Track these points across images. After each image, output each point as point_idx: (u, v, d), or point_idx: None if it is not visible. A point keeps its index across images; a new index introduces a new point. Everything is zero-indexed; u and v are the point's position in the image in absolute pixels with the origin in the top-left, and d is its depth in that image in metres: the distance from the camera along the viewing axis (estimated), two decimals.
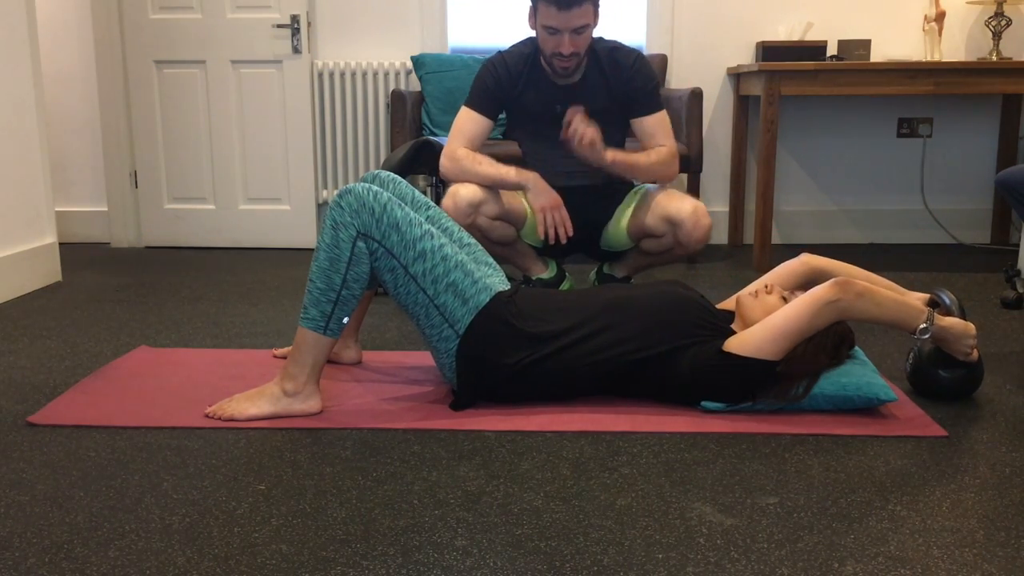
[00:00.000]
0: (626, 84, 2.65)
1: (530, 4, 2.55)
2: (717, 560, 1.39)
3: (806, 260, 2.20)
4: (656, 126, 2.68)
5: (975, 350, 2.05)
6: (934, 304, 2.13)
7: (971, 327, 2.02)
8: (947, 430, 1.93)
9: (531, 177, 2.62)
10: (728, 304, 2.22)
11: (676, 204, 2.66)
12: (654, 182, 2.75)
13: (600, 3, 2.53)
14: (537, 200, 2.60)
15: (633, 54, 2.69)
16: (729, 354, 1.95)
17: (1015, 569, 1.37)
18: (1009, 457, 1.80)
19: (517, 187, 2.65)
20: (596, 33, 2.64)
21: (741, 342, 1.95)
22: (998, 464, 1.77)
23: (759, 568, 1.37)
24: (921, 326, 1.95)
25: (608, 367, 2.00)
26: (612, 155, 2.57)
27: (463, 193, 2.61)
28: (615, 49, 2.68)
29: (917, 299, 2.12)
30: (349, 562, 1.39)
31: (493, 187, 2.67)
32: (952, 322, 2.01)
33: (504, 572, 1.36)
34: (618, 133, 2.71)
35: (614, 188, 2.80)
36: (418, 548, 1.43)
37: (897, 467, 1.75)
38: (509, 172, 2.64)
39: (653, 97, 2.69)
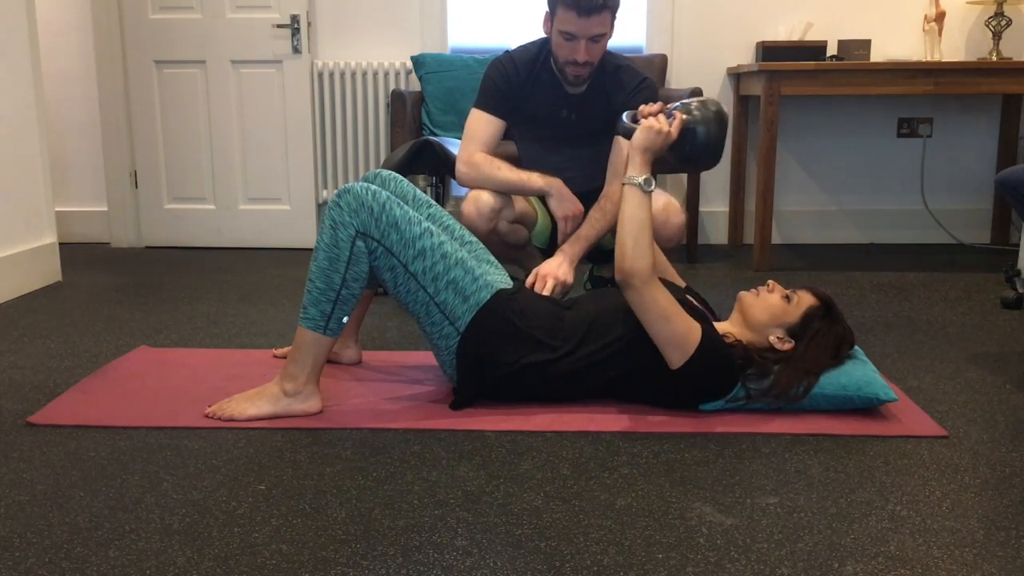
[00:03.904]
0: (623, 103, 2.58)
1: (547, 8, 2.51)
2: (717, 560, 1.39)
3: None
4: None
5: (670, 125, 2.01)
6: (633, 123, 2.08)
7: (642, 129, 1.99)
8: (947, 430, 1.93)
9: (555, 183, 2.56)
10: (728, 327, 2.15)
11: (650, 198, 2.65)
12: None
13: (617, 14, 2.50)
14: (561, 207, 2.54)
15: (639, 77, 2.61)
16: (682, 367, 1.93)
17: (1015, 569, 1.37)
18: (1009, 457, 1.80)
19: (540, 192, 2.59)
20: (610, 42, 2.62)
21: (671, 356, 1.93)
22: (998, 464, 1.77)
23: (759, 568, 1.37)
24: (640, 185, 1.95)
25: (604, 367, 2.00)
26: (573, 261, 2.50)
27: (485, 198, 2.56)
28: (623, 68, 2.61)
29: (623, 151, 2.12)
30: (349, 562, 1.39)
31: (514, 193, 2.62)
32: (636, 144, 1.98)
33: (504, 572, 1.36)
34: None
35: None
36: (418, 548, 1.43)
37: (897, 467, 1.75)
38: (532, 177, 2.58)
39: None
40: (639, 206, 1.95)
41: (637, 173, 1.96)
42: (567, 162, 2.63)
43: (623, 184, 1.98)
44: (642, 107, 2.11)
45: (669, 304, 1.92)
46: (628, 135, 2.06)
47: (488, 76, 2.65)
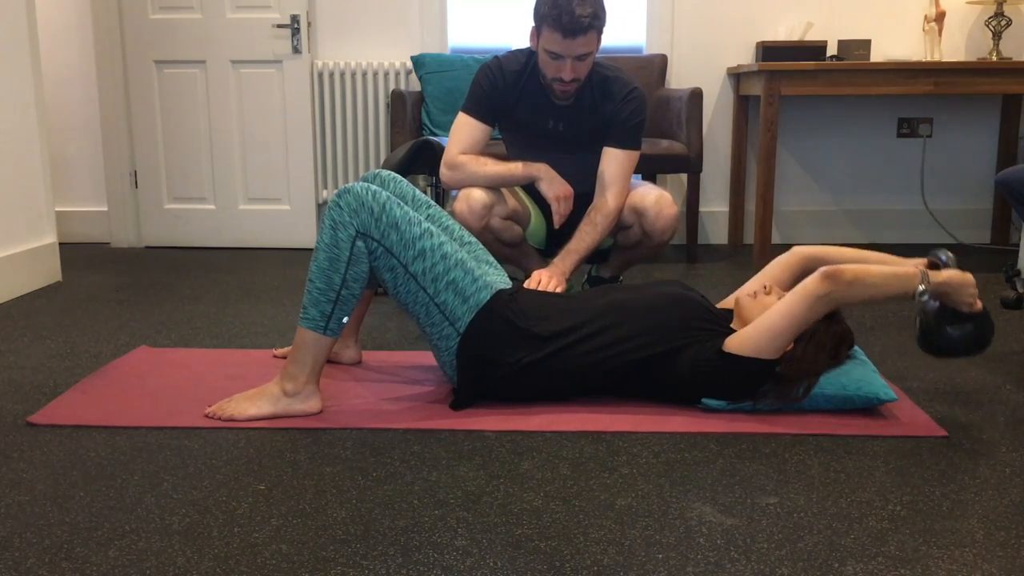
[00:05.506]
0: (611, 113, 2.59)
1: (533, 25, 2.52)
2: (717, 560, 1.39)
3: (797, 252, 2.19)
4: (618, 168, 2.59)
5: (978, 301, 2.00)
6: (933, 265, 2.08)
7: (968, 276, 1.98)
8: (947, 430, 1.93)
9: (541, 168, 2.58)
10: (728, 303, 2.22)
11: (642, 193, 2.65)
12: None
13: (604, 30, 2.50)
14: (552, 188, 2.56)
15: (628, 87, 2.61)
16: (729, 354, 1.95)
17: (1015, 569, 1.37)
18: (1009, 457, 1.80)
19: (527, 180, 2.61)
20: (610, 43, 2.62)
21: (740, 341, 1.95)
22: (998, 464, 1.77)
23: (759, 568, 1.37)
24: (919, 288, 1.93)
25: (609, 366, 2.00)
26: (565, 275, 2.51)
27: (476, 195, 2.57)
28: (612, 79, 2.61)
29: (914, 264, 2.09)
30: (349, 562, 1.39)
31: (501, 185, 2.63)
32: (949, 275, 1.97)
33: (504, 572, 1.36)
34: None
35: None
36: (418, 548, 1.43)
37: (897, 467, 1.75)
38: (516, 166, 2.60)
39: (632, 133, 2.61)
40: (899, 288, 1.93)
41: (928, 284, 1.93)
42: (555, 167, 2.64)
43: (919, 268, 1.97)
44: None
45: (802, 323, 1.92)
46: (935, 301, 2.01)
47: (476, 81, 2.66)
